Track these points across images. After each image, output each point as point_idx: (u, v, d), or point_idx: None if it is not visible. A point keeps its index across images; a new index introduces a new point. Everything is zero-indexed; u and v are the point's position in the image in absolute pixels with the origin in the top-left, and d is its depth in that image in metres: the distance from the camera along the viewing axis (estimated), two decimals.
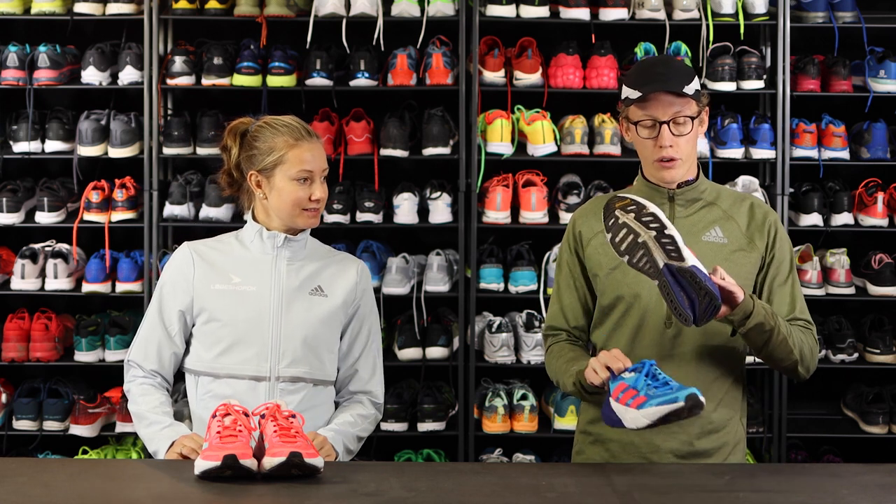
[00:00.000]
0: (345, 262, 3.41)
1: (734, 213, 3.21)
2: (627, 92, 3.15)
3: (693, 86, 3.12)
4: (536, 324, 5.36)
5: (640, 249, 2.92)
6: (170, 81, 5.37)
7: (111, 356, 5.33)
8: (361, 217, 5.36)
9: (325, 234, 5.30)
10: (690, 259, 2.88)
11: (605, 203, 3.04)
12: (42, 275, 5.39)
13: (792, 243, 3.28)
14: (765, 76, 5.39)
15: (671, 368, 3.15)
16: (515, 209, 5.39)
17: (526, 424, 5.27)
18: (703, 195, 3.22)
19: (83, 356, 5.34)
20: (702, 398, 2.82)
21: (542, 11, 5.37)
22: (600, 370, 2.99)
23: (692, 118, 3.12)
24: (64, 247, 5.45)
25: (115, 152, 5.37)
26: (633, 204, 2.96)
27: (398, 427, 5.29)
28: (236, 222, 5.30)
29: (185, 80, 5.38)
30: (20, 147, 5.43)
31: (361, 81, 5.35)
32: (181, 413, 4.84)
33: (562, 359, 3.24)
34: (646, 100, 3.12)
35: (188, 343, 3.36)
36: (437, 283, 5.38)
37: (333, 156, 5.35)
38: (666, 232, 2.91)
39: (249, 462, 2.76)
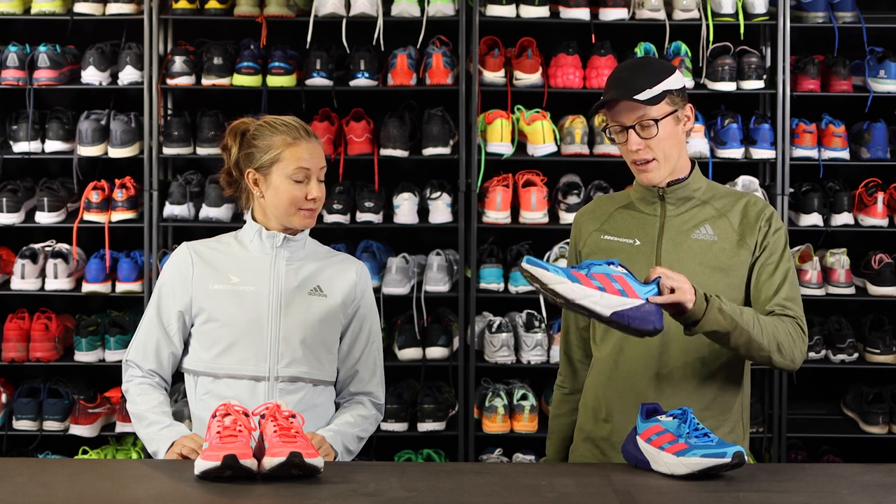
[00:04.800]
0: (344, 262, 3.42)
1: (728, 211, 3.21)
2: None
3: (658, 88, 3.10)
4: (536, 324, 5.36)
5: (570, 306, 2.87)
6: (170, 81, 5.37)
7: (111, 356, 5.33)
8: (361, 217, 5.36)
9: (325, 234, 5.32)
10: (609, 307, 2.83)
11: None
12: (42, 275, 5.39)
13: (790, 241, 3.28)
14: (765, 76, 5.39)
15: (660, 372, 3.15)
16: (515, 209, 5.39)
17: (526, 424, 5.27)
18: (695, 194, 3.22)
19: (83, 356, 5.34)
20: (746, 456, 2.83)
21: (542, 11, 5.37)
22: None
23: (657, 120, 3.12)
24: (64, 247, 5.45)
25: (115, 152, 5.37)
26: (534, 279, 2.87)
27: (398, 427, 5.29)
28: (236, 222, 5.30)
29: (185, 80, 5.38)
30: (20, 147, 5.43)
31: (361, 81, 5.35)
32: (181, 413, 4.84)
33: (552, 422, 3.46)
34: (610, 106, 3.14)
35: (187, 343, 3.36)
36: (437, 283, 5.38)
37: (333, 156, 5.35)
38: (574, 303, 2.84)
39: (249, 462, 2.76)
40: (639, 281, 2.88)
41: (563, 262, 5.16)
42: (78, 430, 5.32)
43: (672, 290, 2.89)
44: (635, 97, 3.09)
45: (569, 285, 2.83)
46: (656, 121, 3.11)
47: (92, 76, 5.39)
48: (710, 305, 2.94)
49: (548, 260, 5.36)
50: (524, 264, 2.85)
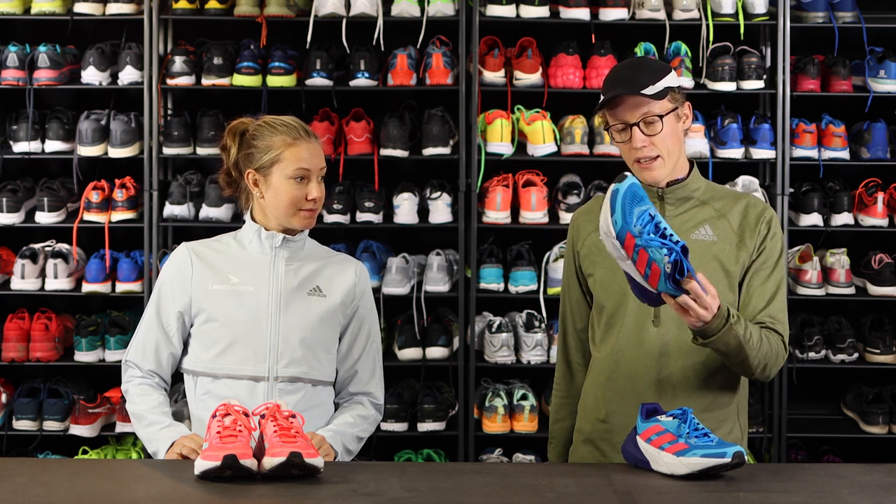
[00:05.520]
0: (343, 262, 3.42)
1: (727, 212, 3.21)
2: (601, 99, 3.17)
3: (661, 84, 3.10)
4: (536, 324, 5.36)
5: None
6: (170, 81, 5.37)
7: (111, 356, 5.33)
8: (361, 217, 5.36)
9: (325, 234, 5.32)
10: (626, 269, 2.87)
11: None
12: (42, 275, 5.39)
13: (789, 244, 3.27)
14: (765, 76, 5.39)
15: (660, 373, 3.15)
16: (515, 209, 5.39)
17: (526, 424, 5.27)
18: (694, 194, 3.22)
19: (83, 356, 5.34)
20: (746, 456, 2.84)
21: (542, 11, 5.37)
22: None
23: (661, 116, 3.11)
24: (64, 247, 5.45)
25: (115, 152, 5.37)
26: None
27: (398, 427, 5.29)
28: (236, 222, 5.30)
29: (185, 80, 5.38)
30: (20, 147, 5.43)
31: (361, 81, 5.35)
32: (181, 413, 4.84)
33: (553, 427, 3.45)
34: (613, 104, 3.13)
35: (186, 343, 3.36)
36: (437, 283, 5.38)
37: (333, 156, 5.35)
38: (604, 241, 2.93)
39: (249, 462, 2.76)
40: (670, 280, 2.86)
41: (561, 263, 5.20)
42: (78, 430, 5.32)
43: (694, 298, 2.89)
44: (643, 91, 3.08)
45: (611, 239, 2.85)
46: (660, 117, 3.11)
47: (92, 76, 5.39)
48: (725, 329, 2.95)
49: (547, 261, 5.36)
50: (614, 184, 2.85)
